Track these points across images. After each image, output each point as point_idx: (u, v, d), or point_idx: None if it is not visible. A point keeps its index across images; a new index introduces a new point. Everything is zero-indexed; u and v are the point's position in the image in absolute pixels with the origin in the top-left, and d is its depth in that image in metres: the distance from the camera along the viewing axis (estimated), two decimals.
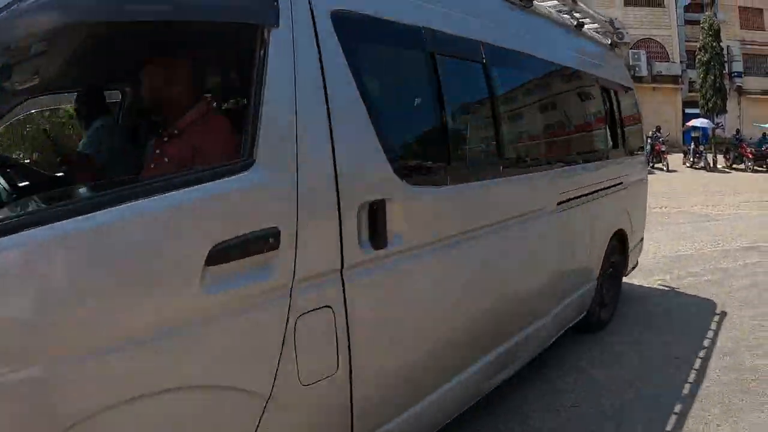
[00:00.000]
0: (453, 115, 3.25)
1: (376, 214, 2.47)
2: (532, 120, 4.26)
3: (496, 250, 3.49)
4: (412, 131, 3.10)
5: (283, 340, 2.12)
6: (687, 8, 37.02)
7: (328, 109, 2.30)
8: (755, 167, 25.04)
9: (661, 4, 36.00)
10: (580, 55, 5.19)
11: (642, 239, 6.78)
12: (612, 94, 5.82)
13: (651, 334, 5.51)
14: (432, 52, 2.98)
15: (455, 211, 3.10)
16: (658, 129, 26.55)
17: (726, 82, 26.80)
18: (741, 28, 37.92)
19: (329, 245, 2.29)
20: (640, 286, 7.13)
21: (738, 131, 27.34)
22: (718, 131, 28.81)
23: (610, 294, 5.78)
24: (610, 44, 6.35)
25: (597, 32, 6.12)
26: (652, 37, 35.82)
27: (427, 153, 3.11)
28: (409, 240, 2.68)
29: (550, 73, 4.47)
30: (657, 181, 20.32)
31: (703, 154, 25.53)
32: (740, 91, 35.76)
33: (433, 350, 2.94)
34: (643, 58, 34.64)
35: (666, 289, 7.06)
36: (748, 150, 25.44)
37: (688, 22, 36.76)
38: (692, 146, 25.94)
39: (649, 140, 24.62)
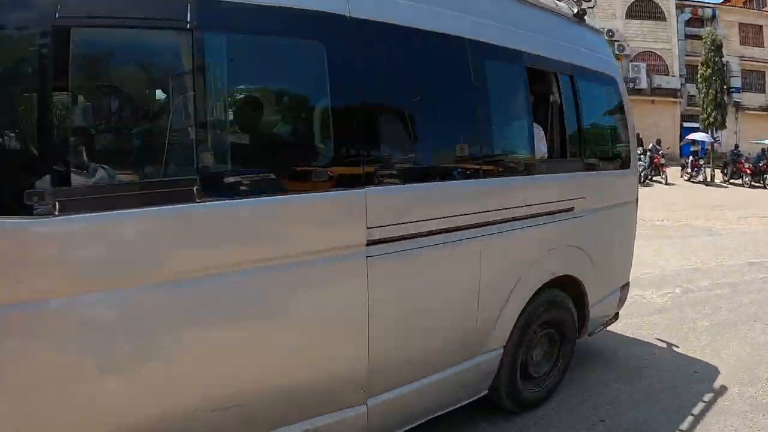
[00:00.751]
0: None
1: None
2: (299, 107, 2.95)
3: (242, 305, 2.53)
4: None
5: None
6: (688, 23, 37.21)
7: None
8: (753, 183, 25.30)
9: (662, 18, 36.17)
10: (490, 22, 3.63)
11: (626, 285, 5.24)
12: (564, 81, 4.26)
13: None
14: None
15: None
16: (658, 142, 26.66)
17: (725, 97, 26.88)
18: (740, 44, 38.10)
19: None
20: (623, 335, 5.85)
21: (736, 146, 27.53)
22: (715, 146, 28.95)
23: (550, 363, 4.33)
24: (576, 14, 4.65)
25: None
26: (652, 50, 35.98)
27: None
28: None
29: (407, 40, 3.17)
30: (656, 194, 20.56)
31: (702, 168, 25.71)
32: (738, 107, 35.92)
33: None
34: (643, 70, 34.78)
35: (661, 345, 5.59)
36: (746, 166, 25.67)
37: (688, 36, 36.93)
38: (690, 160, 26.10)
39: (648, 153, 24.78)
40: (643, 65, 34.94)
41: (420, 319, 3.21)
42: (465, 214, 3.32)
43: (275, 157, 2.74)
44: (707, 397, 4.45)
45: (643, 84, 34.68)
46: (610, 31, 34.77)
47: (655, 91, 35.40)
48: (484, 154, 3.52)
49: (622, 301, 5.20)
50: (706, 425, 4.03)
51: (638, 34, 35.64)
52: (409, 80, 3.24)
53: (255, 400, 2.60)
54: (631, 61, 35.15)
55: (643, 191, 20.97)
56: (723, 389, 4.59)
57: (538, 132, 4.04)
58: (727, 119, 26.87)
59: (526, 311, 3.89)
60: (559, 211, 4.07)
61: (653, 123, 34.58)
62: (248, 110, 2.71)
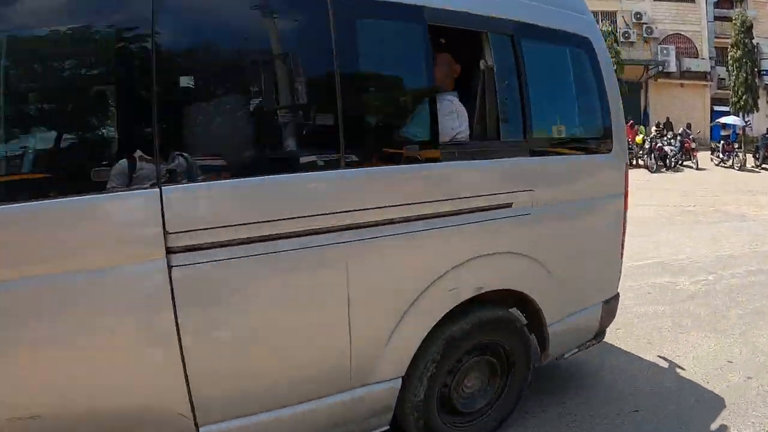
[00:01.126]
0: None
1: None
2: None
3: None
4: None
5: None
6: (717, 4, 36.47)
7: None
8: None
9: (691, 0, 35.54)
10: None
11: (612, 299, 4.22)
12: (498, 42, 3.35)
13: None
14: None
15: None
16: (688, 126, 26.26)
17: (756, 80, 26.36)
18: None
19: None
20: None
21: None
22: (746, 130, 28.40)
23: (490, 394, 3.59)
24: None
25: None
26: (681, 33, 35.33)
27: None
28: None
29: None
30: (687, 179, 20.20)
31: (734, 153, 25.18)
32: None
33: None
34: (672, 53, 34.20)
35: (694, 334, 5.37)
36: None
37: (717, 18, 36.20)
38: (722, 144, 25.63)
39: (678, 137, 24.38)
40: (672, 48, 34.33)
41: (254, 341, 2.65)
42: (318, 215, 2.68)
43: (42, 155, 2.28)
44: (740, 387, 4.37)
45: (672, 67, 34.09)
46: (638, 13, 34.25)
47: (685, 74, 34.79)
48: (351, 138, 2.77)
49: (607, 317, 4.19)
50: (742, 415, 3.95)
51: (667, 17, 35.02)
52: (216, 37, 2.58)
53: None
54: (660, 43, 34.58)
55: (674, 176, 20.94)
56: (759, 378, 4.49)
57: (445, 106, 3.26)
58: (758, 102, 26.27)
59: (443, 334, 3.17)
60: (487, 208, 3.23)
61: (683, 107, 34.06)
62: None
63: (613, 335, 5.09)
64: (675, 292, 6.70)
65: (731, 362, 4.81)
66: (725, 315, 5.97)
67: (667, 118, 28.31)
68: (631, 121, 28.69)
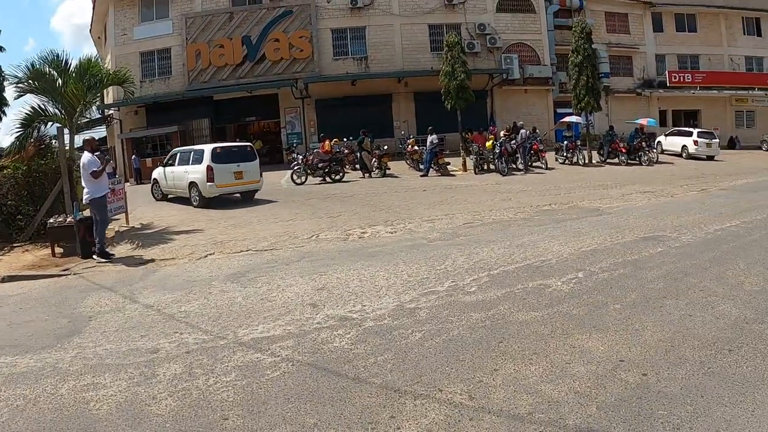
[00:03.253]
0: None
1: None
2: None
3: None
4: None
5: None
6: (556, 14, 38.47)
7: None
8: (629, 161, 26.30)
9: (531, 10, 37.17)
10: None
11: None
12: None
13: None
14: None
15: None
16: (534, 129, 27.28)
17: (596, 82, 27.94)
18: (607, 32, 40.05)
19: None
20: None
21: (611, 128, 28.59)
22: (589, 129, 29.89)
23: None
24: None
25: None
26: (523, 42, 36.87)
27: None
28: None
29: None
30: (538, 180, 20.78)
31: (578, 150, 26.43)
32: (607, 91, 37.41)
33: None
34: (516, 61, 35.58)
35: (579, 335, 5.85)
36: (621, 145, 26.73)
37: (557, 27, 38.21)
38: (565, 143, 26.86)
39: (526, 142, 25.21)
40: (515, 56, 35.79)
41: None
42: None
43: None
44: (640, 387, 4.09)
45: (516, 74, 35.54)
46: (482, 25, 35.41)
47: (528, 80, 36.43)
48: None
49: None
50: (648, 417, 3.63)
51: (509, 27, 36.55)
52: None
53: None
54: (504, 52, 35.88)
55: (525, 178, 21.52)
56: (654, 376, 4.24)
57: None
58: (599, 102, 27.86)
59: None
60: None
61: (527, 111, 35.60)
62: None
63: (496, 347, 4.67)
64: (548, 296, 6.42)
65: (622, 361, 4.52)
66: (604, 312, 5.75)
67: (514, 123, 29.30)
68: (481, 129, 29.52)
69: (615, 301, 6.04)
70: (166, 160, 19.87)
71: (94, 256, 10.84)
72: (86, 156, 10.96)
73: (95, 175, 10.76)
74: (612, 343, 4.91)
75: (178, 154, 19.02)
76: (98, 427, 4.13)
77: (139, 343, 5.87)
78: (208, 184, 16.87)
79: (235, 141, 30.52)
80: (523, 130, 26.24)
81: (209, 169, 16.85)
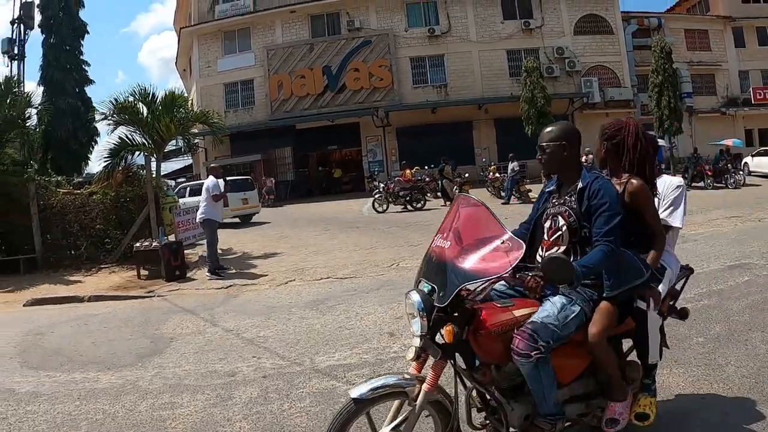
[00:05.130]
0: None
1: None
2: None
3: None
4: None
5: None
6: (635, 34, 37.89)
7: None
8: (715, 184, 25.46)
9: (610, 32, 36.75)
10: None
11: None
12: None
13: None
14: None
15: None
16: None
17: (678, 102, 27.21)
18: (687, 49, 38.98)
19: None
20: None
21: (696, 150, 27.77)
22: (672, 151, 29.17)
23: None
24: None
25: None
26: (602, 64, 36.46)
27: None
28: None
29: None
30: None
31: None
32: (691, 112, 36.46)
33: None
34: (595, 84, 35.18)
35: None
36: (707, 168, 25.89)
37: (636, 47, 37.59)
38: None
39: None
40: (595, 79, 35.38)
41: None
42: None
43: None
44: (721, 427, 4.00)
45: (597, 98, 35.07)
46: (560, 48, 35.20)
47: (609, 103, 35.86)
48: None
49: None
50: None
51: (588, 49, 36.22)
52: None
53: None
54: (583, 76, 35.55)
55: None
56: (736, 415, 4.13)
57: None
58: (682, 124, 27.10)
59: None
60: None
61: None
62: None
63: None
64: None
65: (704, 398, 4.47)
66: (686, 345, 5.64)
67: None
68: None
69: (698, 333, 5.89)
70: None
71: (207, 274, 11.93)
72: (212, 180, 12.37)
73: (216, 198, 12.09)
74: (693, 379, 4.81)
75: (188, 188, 23.67)
76: None
77: (218, 365, 6.17)
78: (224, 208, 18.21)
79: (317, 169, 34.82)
80: (591, 155, 25.83)
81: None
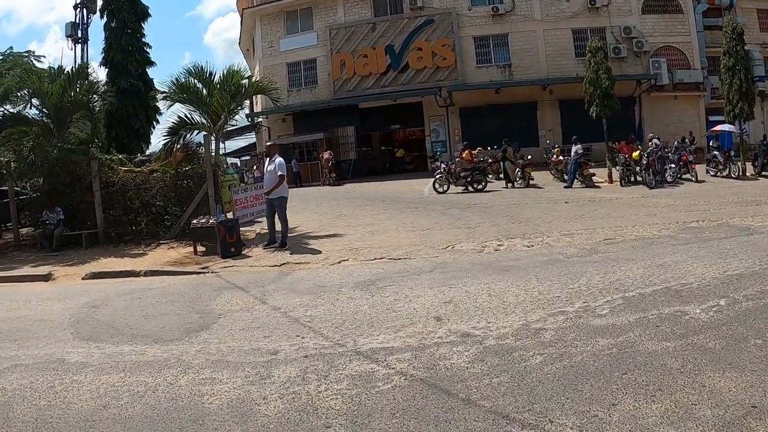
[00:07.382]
0: None
1: None
2: None
3: None
4: None
5: None
6: (705, 13, 36.38)
7: None
8: None
9: (679, 11, 35.41)
10: None
11: None
12: None
13: None
14: None
15: None
16: (682, 139, 25.89)
17: (750, 86, 25.90)
18: (760, 30, 37.26)
19: None
20: None
21: (765, 137, 26.46)
22: (743, 138, 27.91)
23: None
24: None
25: None
26: (671, 45, 35.20)
27: None
28: None
29: None
30: (687, 194, 19.67)
31: (731, 162, 24.64)
32: (763, 96, 34.87)
33: None
34: (664, 66, 34.03)
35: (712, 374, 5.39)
36: None
37: (707, 27, 36.13)
38: (717, 153, 25.14)
39: (676, 150, 23.98)
40: (663, 60, 34.22)
41: None
42: None
43: None
44: None
45: (665, 80, 33.93)
46: (627, 28, 34.15)
47: (678, 86, 34.66)
48: None
49: None
50: None
51: (656, 29, 35.01)
52: None
53: None
54: (651, 56, 34.43)
55: (673, 191, 20.40)
56: None
57: None
58: (754, 109, 25.82)
59: None
60: None
61: (678, 119, 33.84)
62: None
63: (618, 379, 4.64)
64: (684, 325, 6.09)
65: (755, 407, 4.20)
66: (743, 347, 5.35)
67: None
68: (632, 136, 28.06)
69: (757, 334, 5.59)
70: None
71: (270, 248, 12.82)
72: (280, 159, 13.00)
73: (281, 179, 12.69)
74: (746, 385, 4.54)
75: None
76: (207, 421, 4.47)
77: (261, 343, 6.27)
78: None
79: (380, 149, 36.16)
80: (656, 140, 25.09)
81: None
